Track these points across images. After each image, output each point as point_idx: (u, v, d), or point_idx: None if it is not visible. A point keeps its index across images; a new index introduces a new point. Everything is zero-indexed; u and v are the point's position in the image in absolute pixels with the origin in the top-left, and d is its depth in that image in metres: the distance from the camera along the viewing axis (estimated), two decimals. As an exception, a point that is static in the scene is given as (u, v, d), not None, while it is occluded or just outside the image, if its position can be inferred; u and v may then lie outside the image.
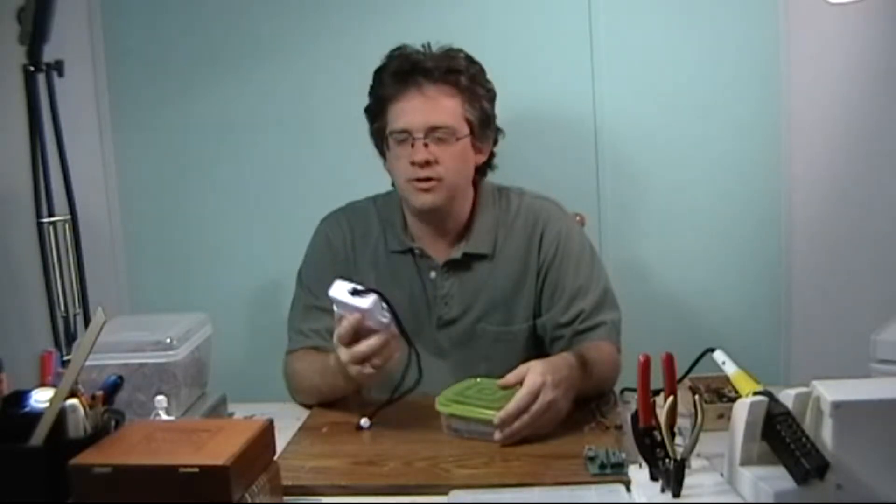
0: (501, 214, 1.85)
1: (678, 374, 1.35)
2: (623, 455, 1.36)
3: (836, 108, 2.31)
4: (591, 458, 1.36)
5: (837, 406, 1.17)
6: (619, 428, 1.51)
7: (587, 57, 2.34)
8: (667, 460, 1.25)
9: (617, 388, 1.72)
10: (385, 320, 1.49)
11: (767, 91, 2.31)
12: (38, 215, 2.13)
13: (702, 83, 2.33)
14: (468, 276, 1.83)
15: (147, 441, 1.22)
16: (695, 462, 1.29)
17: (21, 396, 1.32)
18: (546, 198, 1.88)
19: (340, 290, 1.49)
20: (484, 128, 1.80)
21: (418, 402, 1.62)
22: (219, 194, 2.46)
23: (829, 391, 1.19)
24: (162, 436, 1.24)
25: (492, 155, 1.86)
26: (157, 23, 2.41)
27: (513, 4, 2.34)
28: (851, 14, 2.20)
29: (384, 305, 1.49)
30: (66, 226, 2.16)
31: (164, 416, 1.44)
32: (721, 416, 1.43)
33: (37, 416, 1.22)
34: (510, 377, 1.53)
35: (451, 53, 1.78)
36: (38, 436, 1.20)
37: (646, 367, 1.27)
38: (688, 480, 1.24)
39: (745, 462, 1.24)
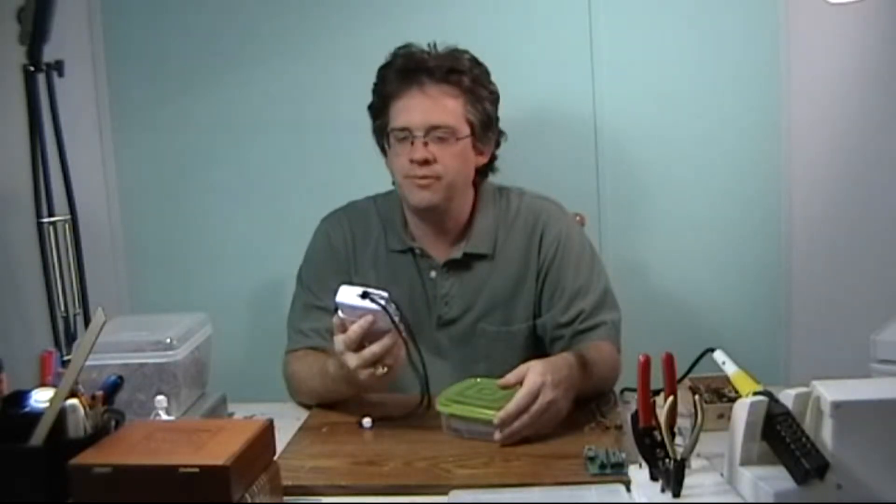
0: (502, 214, 1.85)
1: (678, 374, 1.35)
2: (623, 455, 1.36)
3: (836, 108, 2.31)
4: (591, 458, 1.36)
5: (837, 406, 1.17)
6: (619, 428, 1.51)
7: (587, 57, 2.34)
8: (667, 460, 1.25)
9: (617, 388, 1.72)
10: (396, 319, 1.49)
11: (767, 91, 2.32)
12: (38, 215, 2.13)
13: (702, 83, 2.33)
14: (468, 276, 1.83)
15: (147, 441, 1.22)
16: (695, 462, 1.29)
17: (21, 396, 1.32)
18: (546, 198, 1.88)
19: (349, 294, 1.48)
20: (485, 129, 1.80)
21: (418, 402, 1.62)
22: (219, 194, 2.46)
23: (829, 391, 1.19)
24: (162, 436, 1.24)
25: (493, 157, 1.86)
26: (157, 23, 2.41)
27: (513, 4, 2.34)
28: (851, 14, 2.20)
29: (394, 305, 1.49)
30: (66, 226, 2.16)
31: (164, 416, 1.44)
32: (721, 416, 1.43)
33: (37, 416, 1.22)
34: (510, 377, 1.53)
35: (455, 54, 1.78)
36: (38, 436, 1.20)
37: (646, 367, 1.27)
38: (688, 480, 1.24)
39: (745, 462, 1.24)
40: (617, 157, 2.38)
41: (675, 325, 2.36)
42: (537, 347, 1.82)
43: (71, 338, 2.15)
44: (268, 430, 1.27)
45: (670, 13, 2.31)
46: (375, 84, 1.81)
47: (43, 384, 1.37)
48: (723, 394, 1.53)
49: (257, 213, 2.45)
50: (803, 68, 2.30)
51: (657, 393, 1.29)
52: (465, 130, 1.76)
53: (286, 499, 1.30)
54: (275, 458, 1.30)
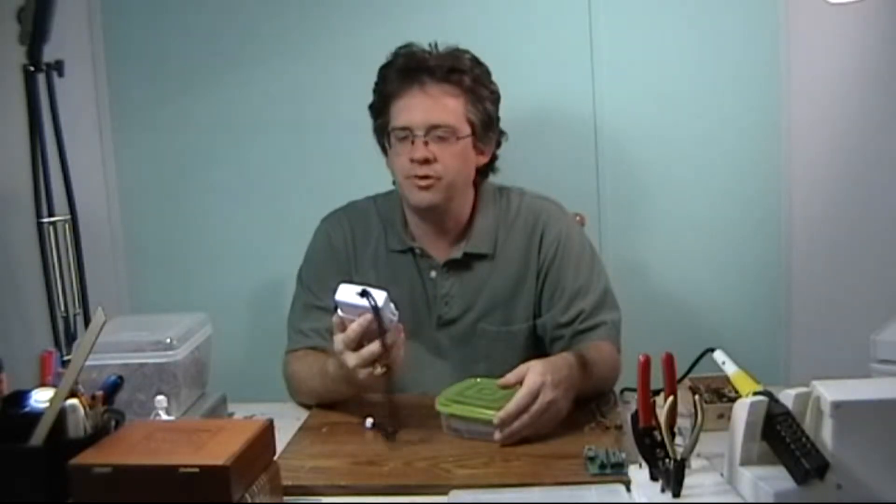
0: (502, 214, 1.85)
1: (678, 374, 1.35)
2: (623, 455, 1.36)
3: (836, 108, 2.31)
4: (591, 458, 1.36)
5: (837, 406, 1.17)
6: (619, 428, 1.51)
7: (587, 57, 2.34)
8: (667, 460, 1.25)
9: (617, 388, 1.72)
10: (394, 318, 1.49)
11: (767, 91, 2.32)
12: (38, 215, 2.13)
13: (702, 83, 2.33)
14: (468, 276, 1.83)
15: (147, 441, 1.22)
16: (695, 462, 1.29)
17: (21, 396, 1.32)
18: (546, 198, 1.88)
19: (348, 292, 1.47)
20: (486, 129, 1.80)
21: (418, 401, 1.62)
22: (219, 194, 2.46)
23: (829, 391, 1.19)
24: (162, 436, 1.24)
25: (494, 157, 1.86)
26: (157, 23, 2.41)
27: (513, 4, 2.34)
28: (851, 14, 2.20)
29: (393, 304, 1.49)
30: (66, 226, 2.16)
31: (164, 416, 1.44)
32: (721, 416, 1.43)
33: (37, 416, 1.22)
34: (510, 377, 1.53)
35: (456, 53, 1.78)
36: (38, 436, 1.20)
37: (646, 367, 1.27)
38: (688, 480, 1.24)
39: (745, 462, 1.24)
40: (617, 157, 2.38)
41: (675, 325, 2.36)
42: (537, 347, 1.82)
43: (71, 338, 2.15)
44: (268, 430, 1.27)
45: (670, 13, 2.32)
46: (376, 83, 1.81)
47: (43, 384, 1.37)
48: (723, 394, 1.53)
49: (257, 213, 2.45)
50: (803, 68, 2.30)
51: (657, 393, 1.29)
52: (466, 130, 1.76)
53: (286, 499, 1.30)
54: (275, 458, 1.30)
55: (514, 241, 1.83)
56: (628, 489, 1.28)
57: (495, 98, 1.81)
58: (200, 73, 2.43)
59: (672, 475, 1.24)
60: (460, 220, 1.83)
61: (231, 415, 1.71)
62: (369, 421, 1.58)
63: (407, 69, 1.75)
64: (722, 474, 1.29)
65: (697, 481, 1.27)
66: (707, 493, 1.25)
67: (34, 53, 2.07)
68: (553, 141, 2.37)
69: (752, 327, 2.39)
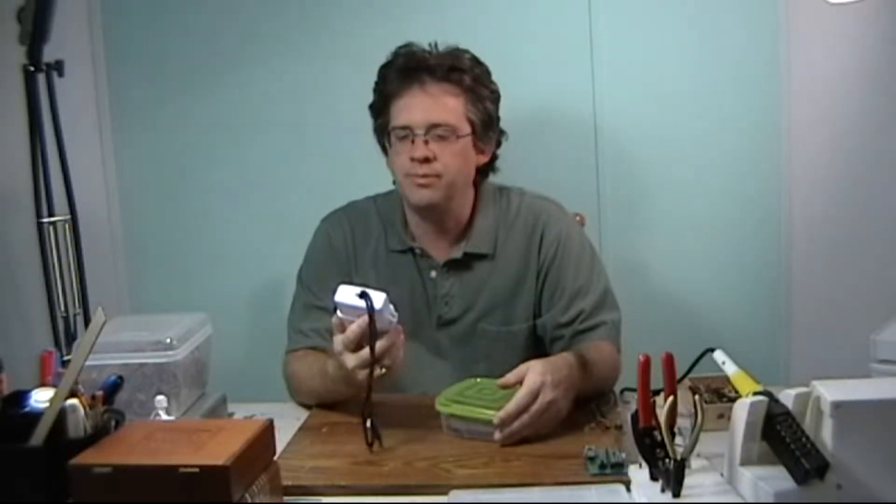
0: (502, 214, 1.85)
1: (678, 374, 1.35)
2: (623, 455, 1.36)
3: (836, 108, 2.31)
4: (591, 458, 1.36)
5: (837, 406, 1.17)
6: (619, 428, 1.51)
7: (587, 57, 2.34)
8: (667, 460, 1.25)
9: (617, 388, 1.72)
10: (393, 319, 1.49)
11: (767, 91, 2.32)
12: (38, 215, 2.13)
13: (702, 83, 2.33)
14: (468, 276, 1.83)
15: (147, 441, 1.22)
16: (695, 462, 1.29)
17: (21, 396, 1.32)
18: (546, 198, 1.88)
19: (347, 293, 1.47)
20: (486, 128, 1.80)
21: (418, 401, 1.62)
22: (219, 194, 2.46)
23: (829, 391, 1.19)
24: (162, 436, 1.24)
25: (494, 157, 1.86)
26: (157, 23, 2.41)
27: (513, 4, 2.34)
28: (851, 14, 2.20)
29: (392, 305, 1.49)
30: (66, 226, 2.16)
31: (164, 416, 1.44)
32: (721, 416, 1.43)
33: (37, 416, 1.22)
34: (510, 377, 1.53)
35: (456, 53, 1.78)
36: (38, 436, 1.20)
37: (646, 367, 1.27)
38: (688, 480, 1.24)
39: (745, 462, 1.24)
40: (617, 157, 2.38)
41: (675, 325, 2.36)
42: (537, 347, 1.82)
43: (71, 338, 2.15)
44: (268, 430, 1.27)
45: (670, 13, 2.32)
46: (376, 83, 1.81)
47: (43, 384, 1.37)
48: (723, 394, 1.53)
49: (257, 213, 2.45)
50: (803, 68, 2.30)
51: (657, 393, 1.29)
52: (466, 129, 1.76)
53: (286, 499, 1.30)
54: (275, 458, 1.30)
55: (514, 241, 1.83)
56: (628, 489, 1.28)
57: (495, 97, 1.81)
58: (200, 73, 2.43)
59: (672, 475, 1.24)
60: (460, 219, 1.83)
61: (231, 415, 1.71)
62: (369, 421, 1.58)
63: (407, 69, 1.76)
64: (722, 474, 1.29)
65: (697, 481, 1.27)
66: (707, 493, 1.25)
67: (34, 53, 2.07)
68: (553, 141, 2.37)
69: (752, 327, 2.39)
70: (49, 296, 2.15)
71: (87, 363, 1.26)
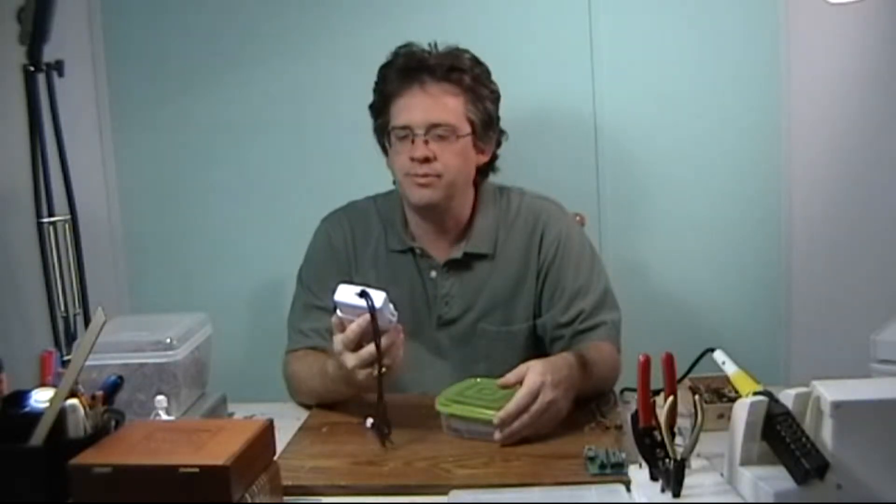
0: (502, 214, 1.85)
1: (678, 374, 1.35)
2: (623, 455, 1.36)
3: (836, 108, 2.31)
4: (591, 458, 1.36)
5: (837, 406, 1.17)
6: (619, 428, 1.51)
7: (587, 57, 2.34)
8: (667, 460, 1.25)
9: (617, 388, 1.72)
10: (393, 318, 1.49)
11: (767, 91, 2.32)
12: (38, 215, 2.13)
13: (702, 83, 2.33)
14: (469, 276, 1.83)
15: (147, 441, 1.22)
16: (695, 462, 1.29)
17: (21, 396, 1.32)
18: (546, 198, 1.88)
19: (347, 293, 1.47)
20: (486, 128, 1.80)
21: (418, 401, 1.62)
22: (219, 194, 2.46)
23: (829, 391, 1.19)
24: (162, 436, 1.24)
25: (494, 157, 1.86)
26: (157, 23, 2.41)
27: (513, 4, 2.34)
28: (851, 14, 2.20)
29: (392, 305, 1.49)
30: (66, 226, 2.16)
31: (164, 416, 1.44)
32: (721, 416, 1.43)
33: (37, 416, 1.22)
34: (510, 377, 1.53)
35: (456, 52, 1.78)
36: (38, 436, 1.20)
37: (646, 367, 1.27)
38: (688, 480, 1.24)
39: (745, 462, 1.24)
40: (617, 157, 2.38)
41: (675, 325, 2.36)
42: (537, 347, 1.82)
43: (71, 338, 2.15)
44: (268, 430, 1.27)
45: (670, 13, 2.32)
46: (376, 83, 1.81)
47: (43, 384, 1.37)
48: (723, 394, 1.53)
49: (257, 213, 2.45)
50: (803, 68, 2.30)
51: (657, 393, 1.29)
52: (466, 129, 1.76)
53: (286, 499, 1.30)
54: (275, 458, 1.30)
55: (514, 241, 1.83)
56: (628, 489, 1.28)
57: (495, 97, 1.82)
58: (200, 73, 2.43)
59: (672, 475, 1.24)
60: (460, 219, 1.83)
61: (231, 415, 1.71)
62: (369, 421, 1.57)
63: (407, 68, 1.76)
64: (722, 474, 1.29)
65: (697, 481, 1.27)
66: (707, 493, 1.25)
67: (34, 53, 2.07)
68: (553, 141, 2.37)
69: (752, 327, 2.39)
70: (49, 296, 2.15)
71: (87, 363, 1.26)
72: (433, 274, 1.83)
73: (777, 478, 1.18)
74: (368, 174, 1.89)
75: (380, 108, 1.81)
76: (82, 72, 2.39)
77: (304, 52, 2.40)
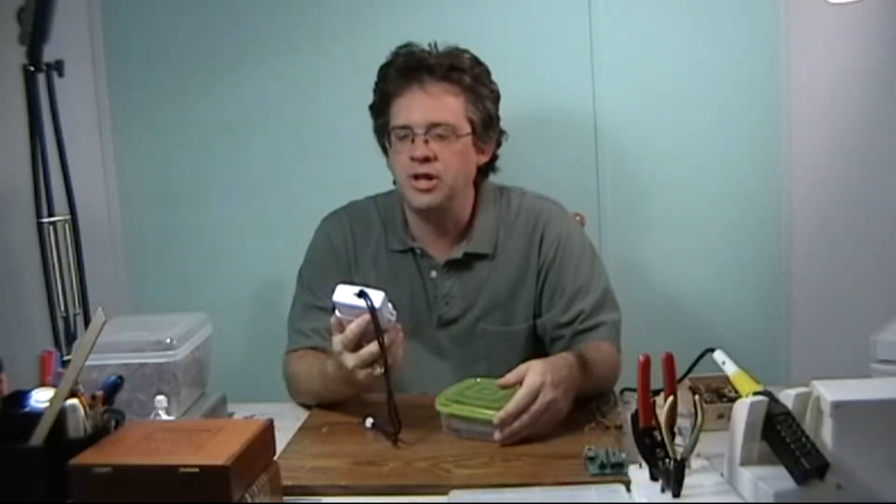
0: (502, 214, 1.85)
1: (678, 374, 1.35)
2: (623, 455, 1.36)
3: (836, 108, 2.31)
4: (591, 458, 1.36)
5: (837, 406, 1.17)
6: (619, 428, 1.51)
7: (587, 57, 2.34)
8: (667, 460, 1.25)
9: (617, 388, 1.72)
10: (392, 318, 1.49)
11: (767, 91, 2.32)
12: (38, 215, 2.13)
13: (702, 83, 2.33)
14: (469, 276, 1.83)
15: (147, 441, 1.22)
16: (695, 462, 1.29)
17: (21, 396, 1.32)
18: (547, 198, 1.88)
19: (345, 293, 1.47)
20: (486, 128, 1.80)
21: (418, 401, 1.62)
22: (219, 194, 2.46)
23: (829, 391, 1.19)
24: (162, 436, 1.24)
25: (495, 157, 1.86)
26: (157, 23, 2.41)
27: (513, 4, 2.34)
28: (851, 14, 2.20)
29: (391, 304, 1.49)
30: (66, 226, 2.15)
31: (164, 416, 1.44)
32: (721, 416, 1.43)
33: (37, 416, 1.22)
34: (510, 377, 1.53)
35: (456, 52, 1.79)
36: (38, 436, 1.20)
37: (646, 367, 1.27)
38: (688, 480, 1.24)
39: (745, 462, 1.24)
40: (617, 157, 2.38)
41: (675, 325, 2.36)
42: (537, 347, 1.82)
43: (71, 338, 2.15)
44: (268, 430, 1.27)
45: (670, 13, 2.32)
46: (376, 83, 1.81)
47: (43, 384, 1.37)
48: (723, 394, 1.53)
49: (257, 212, 2.45)
50: (803, 68, 2.30)
51: (657, 393, 1.29)
52: (466, 128, 1.76)
53: (286, 499, 1.30)
54: (275, 458, 1.30)
55: (514, 241, 1.83)
56: (628, 489, 1.28)
57: (495, 97, 1.82)
58: (200, 73, 2.43)
59: (672, 475, 1.24)
60: (461, 219, 1.83)
61: (231, 415, 1.71)
62: (369, 421, 1.58)
63: (407, 68, 1.76)
64: (722, 474, 1.29)
65: (697, 481, 1.27)
66: (707, 493, 1.25)
67: (34, 53, 2.07)
68: (553, 141, 2.37)
69: (752, 327, 2.39)
70: (49, 296, 2.15)
71: (87, 363, 1.26)
72: (433, 274, 1.83)
73: (777, 478, 1.18)
74: (368, 174, 1.89)
75: (380, 108, 1.81)
76: (82, 72, 2.40)
77: (304, 52, 2.40)
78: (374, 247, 1.85)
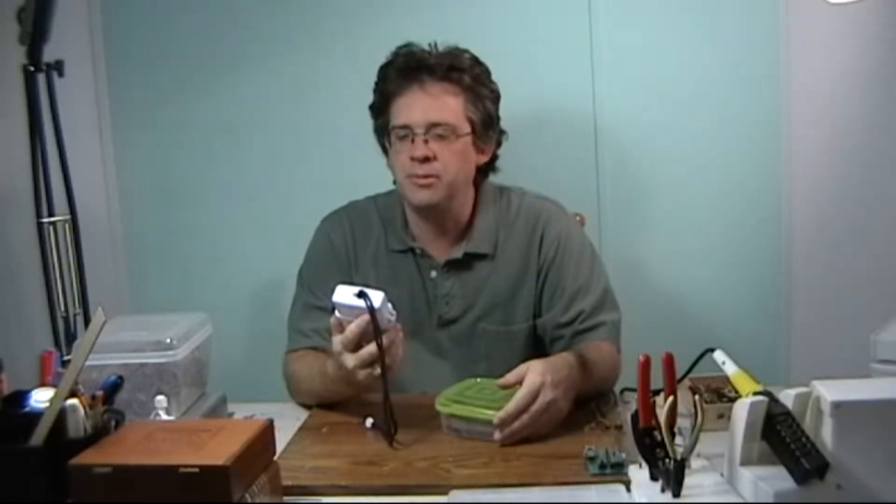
0: (502, 214, 1.85)
1: (678, 374, 1.35)
2: (623, 455, 1.36)
3: (836, 108, 2.31)
4: (591, 458, 1.36)
5: (837, 406, 1.17)
6: (619, 428, 1.51)
7: (587, 57, 2.34)
8: (667, 460, 1.25)
9: (617, 388, 1.72)
10: (392, 318, 1.49)
11: (767, 91, 2.32)
12: (38, 215, 2.13)
13: (702, 83, 2.33)
14: (469, 276, 1.83)
15: (147, 441, 1.22)
16: (695, 462, 1.29)
17: (21, 396, 1.32)
18: (547, 198, 1.88)
19: (345, 293, 1.47)
20: (486, 128, 1.80)
21: (418, 401, 1.62)
22: (219, 194, 2.46)
23: (829, 391, 1.19)
24: (162, 436, 1.24)
25: (495, 156, 1.86)
26: (157, 23, 2.41)
27: (513, 4, 2.34)
28: (851, 14, 2.20)
29: (391, 304, 1.49)
30: (66, 226, 2.15)
31: (164, 416, 1.44)
32: (721, 416, 1.43)
33: (37, 416, 1.22)
34: (510, 377, 1.53)
35: (455, 52, 1.79)
36: (38, 436, 1.20)
37: (646, 367, 1.27)
38: (688, 480, 1.24)
39: (745, 462, 1.24)
40: (617, 157, 2.38)
41: (675, 325, 2.36)
42: (537, 347, 1.82)
43: (71, 338, 2.15)
44: (268, 430, 1.27)
45: (670, 13, 2.32)
46: (376, 83, 1.82)
47: (43, 384, 1.37)
48: (723, 394, 1.53)
49: (257, 212, 2.45)
50: (803, 68, 2.30)
51: (657, 393, 1.29)
52: (466, 128, 1.76)
53: (286, 499, 1.30)
54: (275, 458, 1.30)
55: (514, 241, 1.83)
56: (628, 489, 1.28)
57: (495, 97, 1.82)
58: (200, 73, 2.43)
59: (672, 475, 1.24)
60: (461, 219, 1.83)
61: (231, 415, 1.71)
62: (369, 421, 1.58)
63: (407, 68, 1.76)
64: (722, 474, 1.29)
65: (697, 481, 1.27)
66: (707, 493, 1.25)
67: (34, 53, 2.07)
68: (553, 141, 2.37)
69: (752, 327, 2.39)
70: (49, 296, 2.15)
71: (87, 363, 1.26)
72: (433, 274, 1.83)
73: (777, 478, 1.18)
74: (368, 174, 1.89)
75: (380, 108, 1.81)
76: (82, 72, 2.40)
77: (304, 52, 2.40)
78: (374, 247, 1.85)
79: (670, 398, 1.26)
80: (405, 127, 1.74)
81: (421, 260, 1.84)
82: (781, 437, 1.18)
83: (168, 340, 1.56)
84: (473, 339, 1.83)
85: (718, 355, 1.36)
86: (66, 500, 1.14)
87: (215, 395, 1.71)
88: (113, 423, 1.29)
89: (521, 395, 1.47)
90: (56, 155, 2.15)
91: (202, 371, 1.70)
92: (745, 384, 1.29)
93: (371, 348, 1.47)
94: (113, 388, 1.35)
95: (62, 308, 2.16)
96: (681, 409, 1.29)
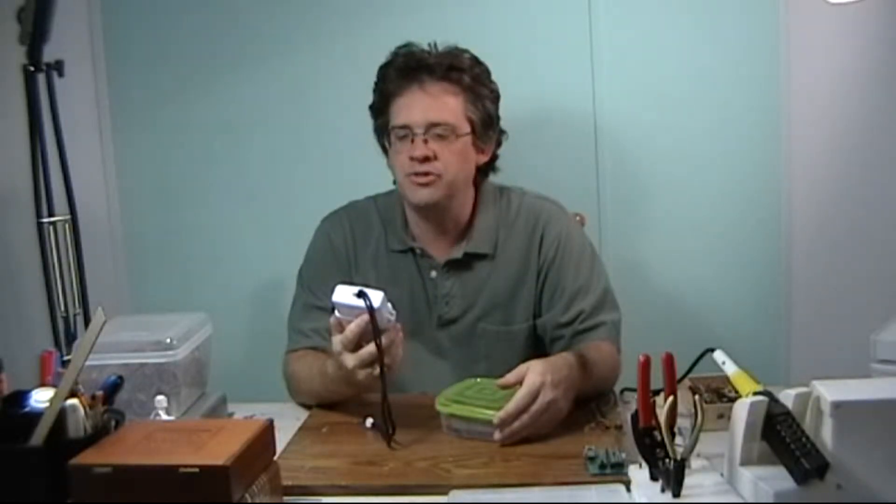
0: (502, 214, 1.85)
1: (678, 374, 1.35)
2: (623, 455, 1.36)
3: (836, 108, 2.31)
4: (591, 458, 1.36)
5: (837, 406, 1.17)
6: (619, 428, 1.51)
7: (587, 57, 2.34)
8: (667, 460, 1.25)
9: (617, 388, 1.72)
10: (391, 318, 1.49)
11: (767, 91, 2.32)
12: (38, 215, 2.13)
13: (702, 83, 2.33)
14: (469, 276, 1.83)
15: (147, 441, 1.22)
16: (695, 462, 1.29)
17: (21, 396, 1.32)
18: (547, 198, 1.88)
19: (345, 293, 1.47)
20: (486, 128, 1.80)
21: (418, 401, 1.62)
22: (219, 194, 2.46)
23: (829, 391, 1.19)
24: (162, 436, 1.24)
25: (495, 156, 1.86)
26: (157, 23, 2.41)
27: (513, 4, 2.34)
28: (851, 14, 2.20)
29: (391, 304, 1.49)
30: (66, 226, 2.15)
31: (164, 416, 1.44)
32: (721, 416, 1.43)
33: (37, 416, 1.22)
34: (510, 377, 1.53)
35: (455, 52, 1.79)
36: (38, 436, 1.20)
37: (646, 367, 1.27)
38: (688, 480, 1.24)
39: (745, 462, 1.24)
40: (617, 157, 2.38)
41: (675, 325, 2.36)
42: (537, 347, 1.82)
43: (71, 338, 2.15)
44: (268, 430, 1.27)
45: (670, 13, 2.32)
46: (376, 83, 1.82)
47: (43, 384, 1.37)
48: (723, 394, 1.53)
49: (257, 212, 2.46)
50: (803, 68, 2.30)
51: (657, 393, 1.29)
52: (466, 128, 1.76)
53: (286, 499, 1.30)
54: (275, 458, 1.30)
55: (514, 241, 1.83)
56: (628, 489, 1.28)
57: (495, 97, 1.82)
58: (200, 73, 2.43)
59: (672, 475, 1.24)
60: (460, 219, 1.83)
61: (231, 415, 1.71)
62: (369, 421, 1.58)
63: (407, 68, 1.76)
64: (722, 474, 1.29)
65: (697, 481, 1.27)
66: (707, 493, 1.25)
67: (34, 53, 2.07)
68: (553, 141, 2.37)
69: (752, 327, 2.39)
70: (49, 296, 2.15)
71: (87, 363, 1.26)
72: (433, 274, 1.83)
73: (777, 478, 1.18)
74: (368, 174, 1.89)
75: (380, 108, 1.81)
76: (82, 72, 2.40)
77: (304, 52, 2.40)
78: (374, 247, 1.85)
79: (670, 398, 1.26)
80: (405, 127, 1.74)
81: (421, 260, 1.84)
82: (781, 437, 1.18)
83: (168, 340, 1.56)
84: (473, 339, 1.83)
85: (718, 355, 1.36)
86: (66, 500, 1.14)
87: (215, 395, 1.71)
88: (113, 423, 1.29)
89: (521, 395, 1.47)
90: (56, 155, 2.15)
91: (202, 371, 1.70)
92: (745, 384, 1.29)
93: (371, 348, 1.47)
94: (113, 388, 1.35)
95: (62, 308, 2.16)
96: (681, 409, 1.29)
